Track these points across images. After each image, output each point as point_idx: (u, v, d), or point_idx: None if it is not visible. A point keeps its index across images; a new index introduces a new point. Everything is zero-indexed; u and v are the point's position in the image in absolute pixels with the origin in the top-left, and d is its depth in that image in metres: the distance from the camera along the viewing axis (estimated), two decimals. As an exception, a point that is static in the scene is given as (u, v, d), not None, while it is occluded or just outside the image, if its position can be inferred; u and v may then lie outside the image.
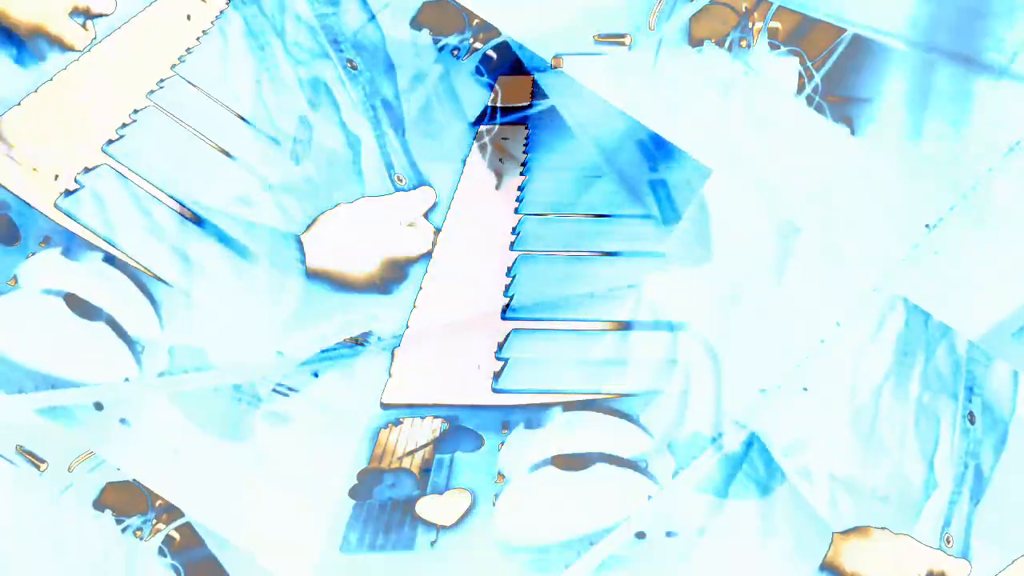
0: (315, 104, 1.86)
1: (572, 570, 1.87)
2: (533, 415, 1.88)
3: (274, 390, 1.86)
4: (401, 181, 1.86)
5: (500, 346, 1.88)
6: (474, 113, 1.86)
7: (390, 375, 1.88)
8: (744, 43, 1.86)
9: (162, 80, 1.86)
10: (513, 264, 1.88)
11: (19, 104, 1.85)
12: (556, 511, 1.88)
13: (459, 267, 1.88)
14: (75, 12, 1.86)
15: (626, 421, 1.87)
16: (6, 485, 1.83)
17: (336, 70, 1.86)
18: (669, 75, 1.86)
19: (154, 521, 1.85)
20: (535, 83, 1.88)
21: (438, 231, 1.88)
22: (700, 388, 1.87)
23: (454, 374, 1.88)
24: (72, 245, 1.86)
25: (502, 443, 1.88)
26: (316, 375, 1.85)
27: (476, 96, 1.87)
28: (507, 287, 1.88)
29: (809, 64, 1.87)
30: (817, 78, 1.87)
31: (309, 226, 1.87)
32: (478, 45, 1.87)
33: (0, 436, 1.83)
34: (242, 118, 1.84)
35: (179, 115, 1.86)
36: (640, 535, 1.87)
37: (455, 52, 1.84)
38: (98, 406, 1.83)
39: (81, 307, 1.85)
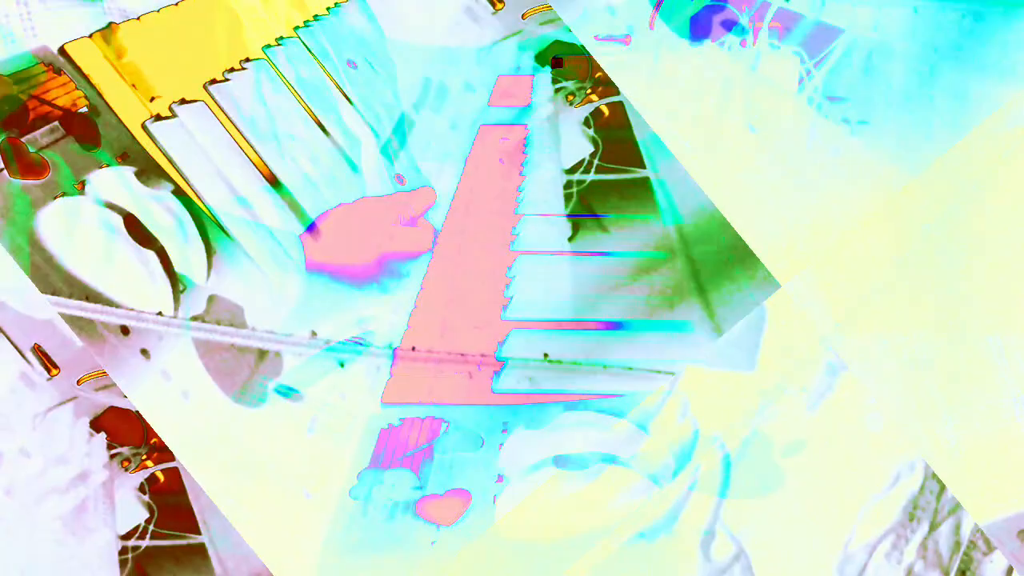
0: (315, 104, 1.86)
1: (572, 570, 1.87)
2: (533, 415, 1.88)
3: (275, 390, 1.86)
4: (402, 181, 1.86)
5: (500, 346, 1.87)
6: (571, 161, 1.87)
7: (390, 375, 1.88)
8: (744, 43, 1.86)
9: (282, 39, 1.86)
10: (513, 264, 1.88)
11: (138, 18, 1.84)
12: (556, 511, 1.87)
13: (459, 267, 1.87)
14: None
15: (626, 421, 1.87)
16: (10, 379, 1.82)
17: (336, 69, 1.86)
18: (669, 74, 1.86)
19: (144, 456, 1.84)
20: (534, 84, 1.88)
21: (438, 231, 1.88)
22: (700, 388, 1.86)
23: (454, 374, 1.87)
24: (147, 168, 1.85)
25: (502, 443, 1.87)
26: (341, 364, 1.86)
27: (578, 145, 1.88)
28: (507, 287, 1.88)
29: (809, 64, 1.86)
30: (817, 78, 1.86)
31: (310, 226, 1.87)
32: (594, 98, 1.87)
33: (22, 329, 1.81)
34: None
35: (287, 77, 1.86)
36: (640, 535, 1.87)
37: (570, 97, 1.86)
38: (124, 330, 1.82)
39: (137, 230, 1.84)
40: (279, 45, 1.85)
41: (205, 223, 1.84)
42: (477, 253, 1.89)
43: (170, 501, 1.86)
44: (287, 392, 1.87)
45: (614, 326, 1.88)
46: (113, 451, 1.85)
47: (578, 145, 1.88)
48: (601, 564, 1.87)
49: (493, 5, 1.87)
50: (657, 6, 1.86)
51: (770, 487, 1.87)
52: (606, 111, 1.88)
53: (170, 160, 1.85)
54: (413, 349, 1.88)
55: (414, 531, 1.88)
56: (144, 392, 1.84)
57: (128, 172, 1.84)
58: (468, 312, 1.88)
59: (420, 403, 1.88)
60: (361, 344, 1.87)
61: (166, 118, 1.85)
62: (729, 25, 1.86)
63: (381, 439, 1.88)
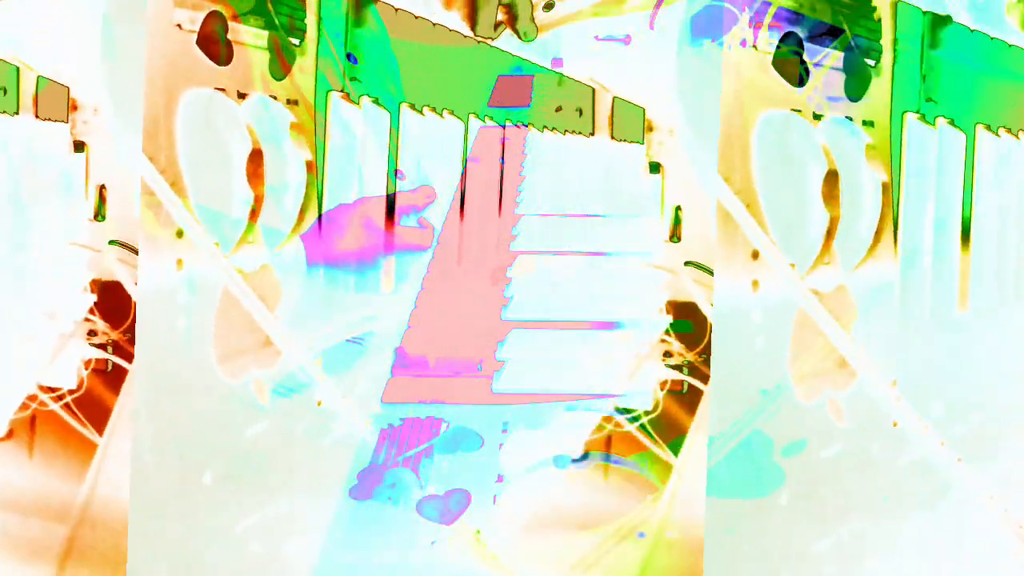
0: (315, 101, 1.86)
1: (572, 570, 1.86)
2: (533, 415, 1.87)
3: (275, 390, 1.86)
4: (402, 177, 1.86)
5: (500, 346, 1.87)
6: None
7: (390, 375, 1.87)
8: (744, 43, 1.86)
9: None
10: (513, 264, 1.88)
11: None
12: (556, 511, 1.87)
13: (459, 267, 1.87)
14: None
15: (626, 421, 1.86)
16: (62, 201, 1.82)
17: (336, 65, 1.86)
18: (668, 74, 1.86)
19: (109, 343, 1.84)
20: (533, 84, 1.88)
21: (438, 231, 1.87)
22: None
23: (454, 374, 1.87)
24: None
25: (502, 443, 1.87)
26: (341, 364, 1.85)
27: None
28: (507, 287, 1.88)
29: (809, 64, 1.87)
30: (817, 78, 1.87)
31: (310, 225, 1.86)
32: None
33: (105, 168, 1.80)
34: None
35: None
36: (640, 535, 1.87)
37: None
38: (179, 233, 1.82)
39: (257, 166, 1.84)
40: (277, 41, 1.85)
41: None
42: (477, 253, 1.88)
43: (97, 394, 1.85)
44: (287, 392, 1.86)
45: (613, 326, 1.87)
46: (91, 319, 1.85)
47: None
48: (601, 564, 1.87)
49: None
50: (657, 6, 1.85)
51: (770, 487, 1.87)
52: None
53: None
54: (413, 349, 1.87)
55: (414, 531, 1.87)
56: (153, 295, 1.83)
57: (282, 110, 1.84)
58: (468, 312, 1.88)
59: (420, 403, 1.88)
60: (361, 344, 1.87)
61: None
62: (729, 25, 1.86)
63: (381, 439, 1.87)
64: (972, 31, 1.89)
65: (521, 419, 1.87)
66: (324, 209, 1.86)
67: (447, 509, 1.87)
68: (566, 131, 1.87)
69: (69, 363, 1.86)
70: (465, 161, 1.87)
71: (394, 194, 1.87)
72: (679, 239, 1.87)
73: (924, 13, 1.88)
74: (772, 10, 1.85)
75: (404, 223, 1.87)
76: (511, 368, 1.87)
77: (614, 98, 1.87)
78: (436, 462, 1.87)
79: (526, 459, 1.87)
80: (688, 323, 1.87)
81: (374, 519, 1.87)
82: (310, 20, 1.85)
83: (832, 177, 1.87)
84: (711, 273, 1.87)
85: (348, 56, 1.85)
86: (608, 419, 1.87)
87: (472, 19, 1.86)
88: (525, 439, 1.87)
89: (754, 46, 1.85)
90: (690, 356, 1.87)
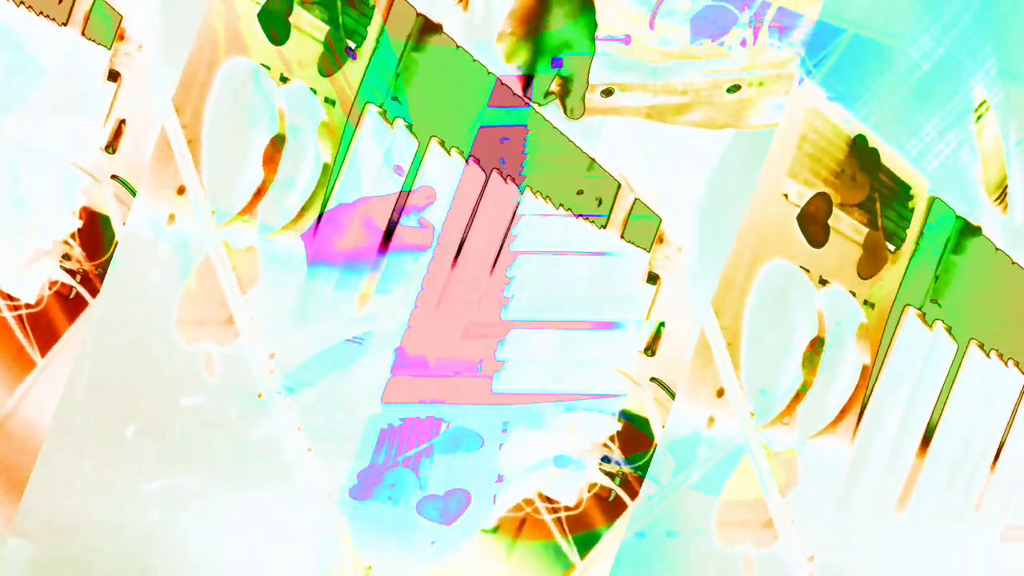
0: (314, 99, 1.85)
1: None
2: (533, 415, 1.87)
3: (274, 391, 1.86)
4: (401, 172, 1.85)
5: (500, 346, 1.87)
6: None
7: (390, 375, 1.87)
8: (745, 43, 1.85)
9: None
10: (513, 264, 1.88)
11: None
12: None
13: (459, 267, 1.87)
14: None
15: (626, 421, 1.86)
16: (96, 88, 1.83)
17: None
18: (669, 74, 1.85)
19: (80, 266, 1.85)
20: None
21: (438, 231, 1.87)
22: (700, 388, 1.86)
23: (454, 374, 1.87)
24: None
25: (502, 443, 1.87)
26: (341, 364, 1.85)
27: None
28: (507, 287, 1.88)
29: (809, 64, 1.86)
30: (817, 78, 1.86)
31: (310, 225, 1.86)
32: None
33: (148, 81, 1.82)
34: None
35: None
36: (640, 535, 1.87)
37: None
38: (180, 190, 1.82)
39: (277, 148, 1.86)
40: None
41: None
42: (477, 253, 1.88)
43: (52, 317, 1.85)
44: (287, 392, 1.86)
45: (612, 327, 1.87)
46: (70, 243, 1.85)
47: None
48: (601, 564, 1.87)
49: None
50: (657, 6, 1.85)
51: (770, 486, 1.87)
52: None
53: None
54: (413, 349, 1.87)
55: (414, 531, 1.87)
56: (136, 240, 1.83)
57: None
58: (468, 312, 1.88)
59: (420, 403, 1.88)
60: (361, 344, 1.87)
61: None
62: (729, 25, 1.86)
63: (381, 439, 1.87)
64: (996, 250, 1.89)
65: (521, 419, 1.87)
66: (323, 214, 1.86)
67: (447, 509, 1.87)
68: (580, 215, 1.87)
69: (35, 278, 1.86)
70: (465, 161, 1.87)
71: (393, 194, 1.87)
72: (653, 353, 1.87)
73: (957, 217, 1.88)
74: (772, 10, 1.85)
75: (404, 223, 1.87)
76: (511, 368, 1.87)
77: (636, 200, 1.87)
78: (436, 462, 1.87)
79: (526, 459, 1.87)
80: (637, 432, 1.87)
81: (374, 519, 1.86)
82: (372, 30, 1.85)
83: (817, 343, 1.87)
84: (672, 396, 1.87)
85: (347, 50, 1.84)
86: (529, 502, 1.87)
87: (526, 80, 1.87)
88: (525, 439, 1.87)
89: (754, 46, 1.85)
90: (627, 468, 1.87)
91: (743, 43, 1.85)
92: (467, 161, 1.87)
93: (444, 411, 1.87)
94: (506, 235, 1.87)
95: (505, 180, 1.87)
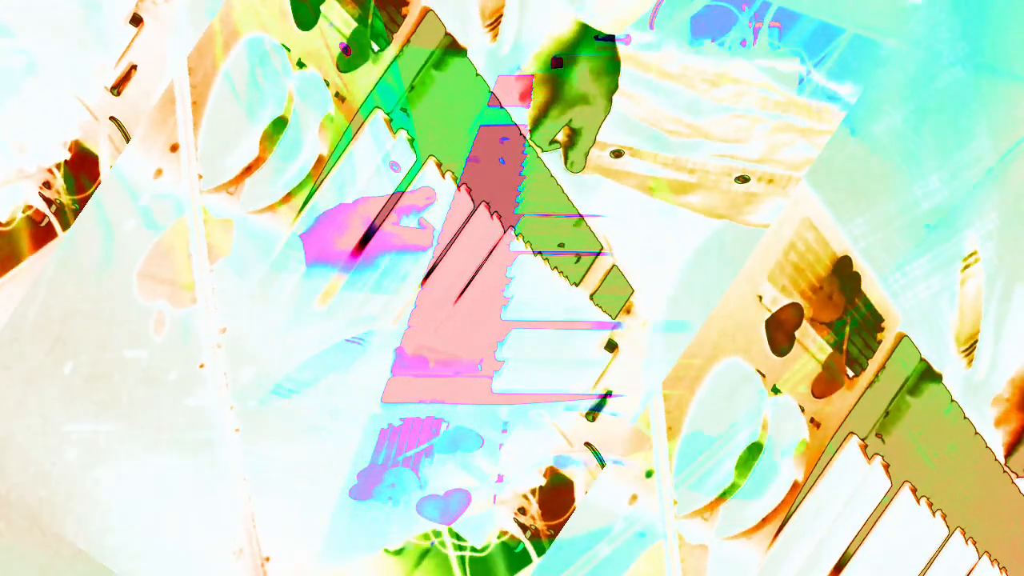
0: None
1: (572, 570, 1.86)
2: (533, 415, 1.87)
3: (274, 391, 1.85)
4: (396, 168, 1.85)
5: (500, 346, 1.87)
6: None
7: (390, 375, 1.87)
8: (744, 43, 1.85)
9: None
10: (513, 264, 1.88)
11: None
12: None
13: (459, 267, 1.87)
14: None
15: (626, 421, 1.86)
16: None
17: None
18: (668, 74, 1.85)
19: (66, 192, 1.84)
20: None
21: (438, 231, 1.87)
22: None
23: (454, 374, 1.87)
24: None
25: (502, 443, 1.87)
26: (342, 364, 1.85)
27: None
28: (507, 287, 1.88)
29: (809, 64, 1.86)
30: (817, 78, 1.86)
31: (310, 226, 1.86)
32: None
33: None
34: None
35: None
36: (640, 535, 1.87)
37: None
38: (174, 147, 1.82)
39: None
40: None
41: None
42: (477, 253, 1.88)
43: (16, 240, 1.85)
44: (287, 392, 1.86)
45: (613, 326, 1.87)
46: (54, 172, 1.85)
47: None
48: (601, 564, 1.86)
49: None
50: (657, 6, 1.85)
51: (770, 486, 1.87)
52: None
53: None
54: (413, 349, 1.87)
55: (414, 531, 1.87)
56: (119, 185, 1.83)
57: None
58: (468, 312, 1.88)
59: (420, 403, 1.87)
60: (361, 344, 1.87)
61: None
62: (729, 25, 1.86)
63: (381, 439, 1.87)
64: (952, 400, 1.89)
65: (521, 419, 1.87)
66: (306, 205, 1.86)
67: (447, 509, 1.87)
68: (555, 268, 1.87)
69: (11, 197, 1.86)
70: (465, 161, 1.87)
71: (393, 194, 1.86)
72: (593, 420, 1.87)
73: (921, 360, 1.88)
74: (772, 10, 1.85)
75: (404, 223, 1.88)
76: (511, 368, 1.87)
77: (613, 265, 1.87)
78: (436, 462, 1.87)
79: (526, 459, 1.87)
80: (560, 491, 1.88)
81: (374, 519, 1.86)
82: (398, 38, 1.85)
83: (756, 448, 1.87)
84: (602, 466, 1.87)
85: (343, 47, 1.84)
86: (438, 534, 1.87)
87: (535, 122, 1.87)
88: (525, 439, 1.87)
89: (754, 46, 1.85)
90: (540, 524, 1.87)
91: (743, 43, 1.85)
92: (467, 161, 1.87)
93: (444, 411, 1.87)
94: (506, 235, 1.87)
95: (505, 178, 1.88)
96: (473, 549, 1.87)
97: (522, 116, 1.87)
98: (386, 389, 1.87)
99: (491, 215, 1.88)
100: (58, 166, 1.86)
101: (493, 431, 1.87)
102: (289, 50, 1.84)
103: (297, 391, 1.86)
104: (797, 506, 1.88)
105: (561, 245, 1.87)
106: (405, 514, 1.87)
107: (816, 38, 1.86)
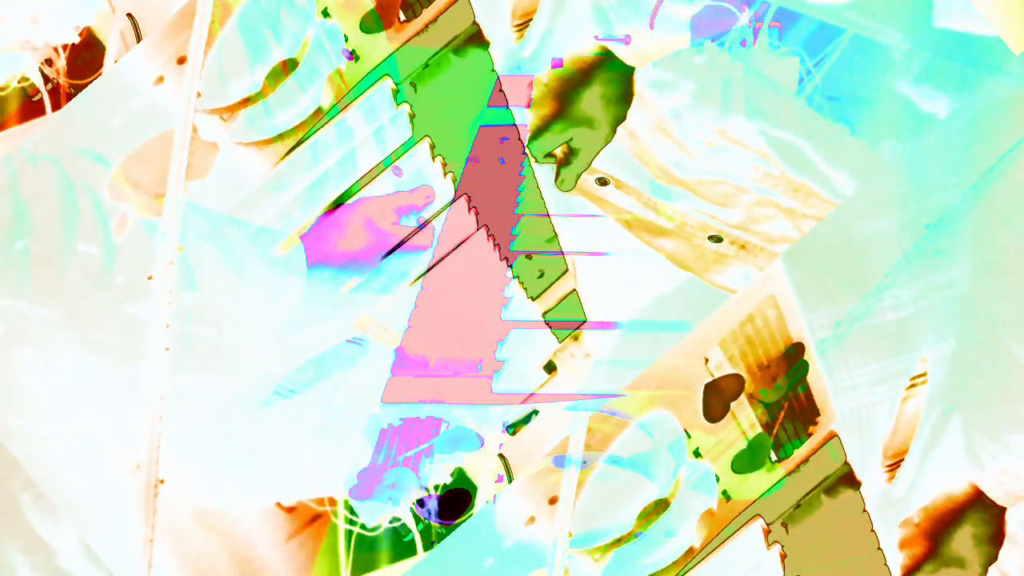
0: (313, 99, 1.85)
1: (572, 570, 1.86)
2: (533, 415, 1.87)
3: (275, 391, 1.85)
4: (399, 173, 1.85)
5: (500, 346, 1.87)
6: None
7: (390, 375, 1.87)
8: (744, 43, 1.85)
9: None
10: (513, 264, 1.88)
11: None
12: (556, 511, 1.86)
13: (459, 266, 1.87)
14: None
15: (626, 421, 1.86)
16: None
17: (334, 63, 1.85)
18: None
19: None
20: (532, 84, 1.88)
21: (438, 231, 1.87)
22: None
23: (454, 374, 1.87)
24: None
25: (502, 443, 1.87)
26: (342, 364, 1.85)
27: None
28: (507, 287, 1.87)
29: (809, 64, 1.86)
30: (817, 78, 1.86)
31: (310, 227, 1.86)
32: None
33: None
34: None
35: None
36: (640, 535, 1.87)
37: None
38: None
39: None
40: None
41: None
42: (477, 253, 1.88)
43: (6, 109, 1.85)
44: (288, 392, 1.86)
45: (612, 326, 1.87)
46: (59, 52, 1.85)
47: None
48: (601, 564, 1.86)
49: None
50: (657, 6, 1.85)
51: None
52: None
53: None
54: (413, 349, 1.87)
55: (414, 531, 1.87)
56: (118, 80, 1.83)
57: None
58: (468, 311, 1.88)
59: (420, 403, 1.87)
60: (361, 344, 1.87)
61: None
62: (729, 25, 1.86)
63: (381, 439, 1.87)
64: (863, 510, 1.89)
65: (522, 419, 1.87)
66: (290, 153, 1.86)
67: (446, 509, 1.87)
68: (517, 276, 1.88)
69: (10, 64, 1.86)
70: (465, 161, 1.87)
71: (393, 194, 1.86)
72: (515, 434, 1.87)
73: (845, 463, 1.88)
74: (772, 10, 1.85)
75: (404, 223, 1.87)
76: (511, 368, 1.87)
77: (574, 290, 1.87)
78: (436, 462, 1.87)
79: (526, 459, 1.87)
80: (462, 494, 1.88)
81: (374, 519, 1.86)
82: (427, 12, 1.85)
83: (662, 504, 1.88)
84: (510, 480, 1.87)
85: (345, 52, 1.85)
86: (334, 502, 1.87)
87: (536, 134, 1.87)
88: (525, 439, 1.87)
89: (754, 46, 1.85)
90: (434, 521, 1.87)
91: (743, 43, 1.85)
92: (467, 161, 1.87)
93: (444, 411, 1.87)
94: (506, 235, 1.88)
95: (505, 179, 1.88)
96: (363, 527, 1.87)
97: (523, 117, 1.88)
98: (386, 389, 1.87)
99: (491, 216, 1.88)
100: (64, 47, 1.86)
101: (493, 431, 1.87)
102: (318, -2, 1.85)
103: (297, 391, 1.86)
104: (686, 572, 1.88)
105: (528, 257, 1.87)
106: (405, 514, 1.87)
107: (816, 38, 1.86)
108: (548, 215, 1.88)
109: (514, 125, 1.87)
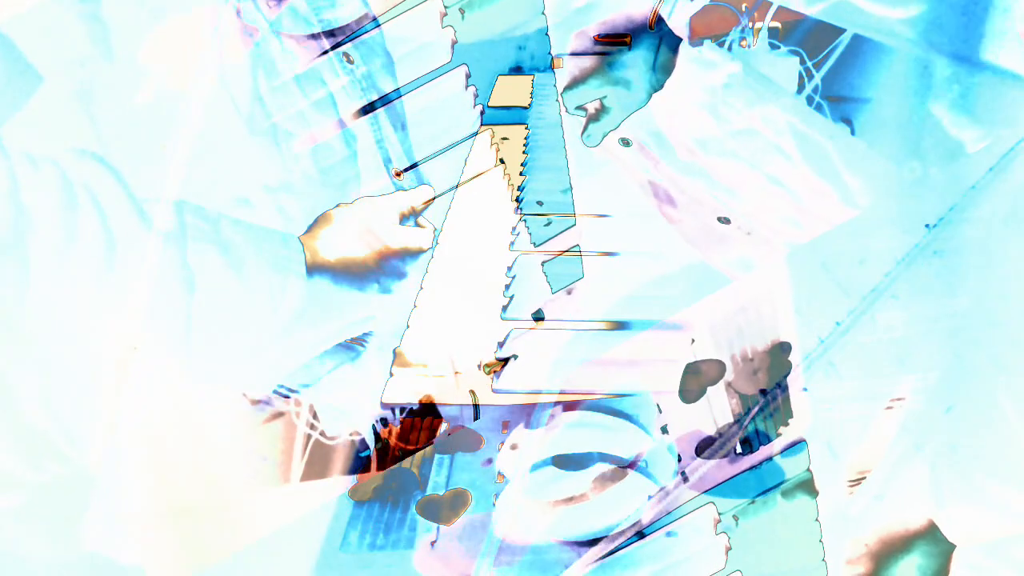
0: (312, 101, 1.85)
1: (572, 570, 1.88)
2: (533, 415, 1.88)
3: (274, 391, 1.86)
4: (399, 176, 1.86)
5: (500, 346, 1.88)
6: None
7: (390, 375, 1.87)
8: (744, 43, 1.86)
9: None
10: (513, 264, 1.88)
11: None
12: (556, 511, 1.88)
13: (459, 267, 1.87)
14: None
15: (626, 421, 1.88)
16: None
17: (332, 65, 1.85)
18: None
19: None
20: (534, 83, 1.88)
21: (438, 231, 1.87)
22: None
23: (454, 374, 1.88)
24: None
25: (502, 443, 1.88)
26: (341, 365, 1.85)
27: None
28: (507, 287, 1.88)
29: (809, 64, 1.86)
30: (817, 78, 1.86)
31: (309, 227, 1.86)
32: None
33: None
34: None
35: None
36: (640, 535, 1.88)
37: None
38: None
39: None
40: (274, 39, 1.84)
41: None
42: (477, 253, 1.88)
43: None
44: (287, 392, 1.87)
45: (613, 326, 1.88)
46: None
47: None
48: (601, 564, 1.88)
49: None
50: (656, 7, 1.85)
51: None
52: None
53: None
54: (413, 349, 1.87)
55: (414, 531, 1.88)
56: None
57: None
58: (468, 312, 1.88)
59: (420, 403, 1.88)
60: (361, 344, 1.87)
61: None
62: (729, 25, 1.86)
63: (381, 439, 1.88)
64: (816, 520, 1.89)
65: (521, 419, 1.88)
66: (329, 52, 1.86)
67: (447, 509, 1.89)
68: (523, 219, 1.88)
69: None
70: (465, 161, 1.88)
71: (393, 194, 1.86)
72: (489, 374, 1.88)
73: (807, 470, 1.89)
74: (772, 9, 1.85)
75: (404, 223, 1.86)
76: (511, 368, 1.88)
77: (578, 246, 1.87)
78: (436, 462, 1.88)
79: (526, 459, 1.88)
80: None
81: (374, 519, 1.88)
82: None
83: (620, 470, 1.88)
84: (476, 417, 1.88)
85: (344, 56, 1.85)
86: (299, 404, 1.87)
87: (574, 82, 1.87)
88: (525, 439, 1.88)
89: (754, 46, 1.85)
90: (393, 440, 1.88)
91: (743, 43, 1.85)
92: (467, 161, 1.87)
93: (444, 411, 1.88)
94: (506, 235, 1.88)
95: (505, 179, 1.88)
96: (323, 434, 1.87)
97: (522, 116, 1.88)
98: (386, 389, 1.87)
99: (491, 215, 1.88)
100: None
101: (493, 431, 1.88)
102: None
103: (297, 391, 1.86)
104: (627, 545, 1.88)
105: (539, 203, 1.88)
106: (405, 514, 1.88)
107: (816, 38, 1.86)
108: (567, 166, 1.88)
109: (514, 125, 1.87)
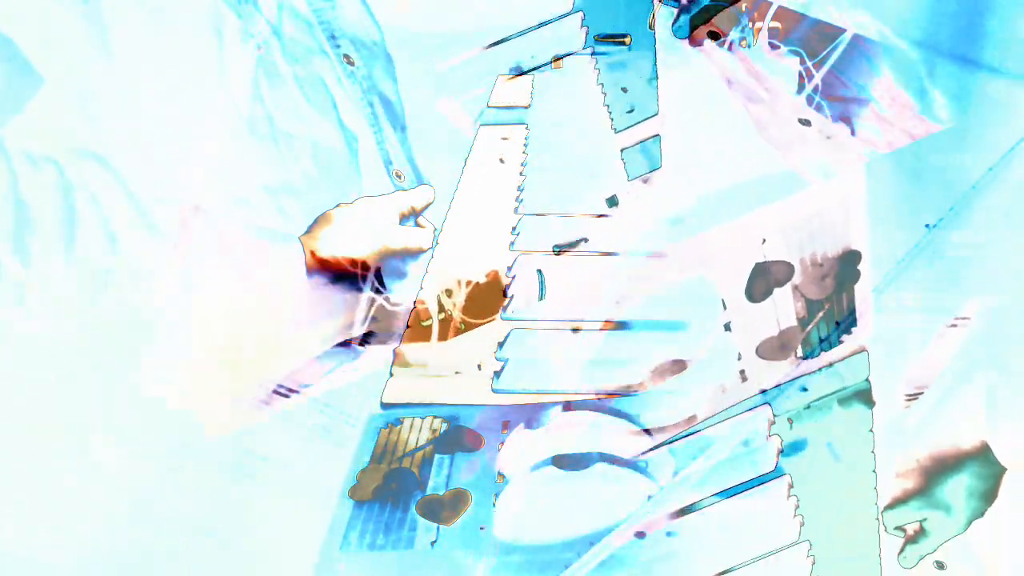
0: (312, 102, 1.86)
1: (572, 570, 1.88)
2: (533, 415, 1.88)
3: (274, 391, 1.86)
4: (400, 177, 1.87)
5: (500, 346, 1.88)
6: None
7: (391, 375, 1.88)
8: (744, 43, 1.86)
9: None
10: (513, 264, 1.88)
11: None
12: (556, 511, 1.88)
13: (459, 267, 1.88)
14: None
15: (626, 421, 1.88)
16: None
17: (333, 66, 1.86)
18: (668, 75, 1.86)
19: None
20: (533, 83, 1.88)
21: (438, 230, 1.87)
22: (700, 388, 1.87)
23: (454, 374, 1.88)
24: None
25: (502, 443, 1.88)
26: (341, 365, 1.85)
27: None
28: (507, 287, 1.88)
29: (809, 64, 1.86)
30: (817, 78, 1.86)
31: (310, 227, 1.85)
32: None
33: None
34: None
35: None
36: (640, 535, 1.88)
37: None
38: None
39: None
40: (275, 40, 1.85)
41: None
42: (477, 253, 1.88)
43: None
44: (287, 392, 1.87)
45: (613, 326, 1.88)
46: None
47: None
48: (601, 564, 1.87)
49: None
50: (657, 6, 1.86)
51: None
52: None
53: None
54: (413, 349, 1.87)
55: (414, 531, 1.88)
56: None
57: None
58: (468, 312, 1.88)
59: (420, 403, 1.88)
60: (361, 344, 1.87)
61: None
62: (730, 25, 1.86)
63: (381, 439, 1.88)
64: (870, 430, 1.89)
65: (521, 419, 1.88)
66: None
67: (447, 509, 1.89)
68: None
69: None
70: (465, 161, 1.88)
71: (393, 194, 1.86)
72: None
73: (866, 379, 1.88)
74: (772, 9, 1.85)
75: (404, 223, 1.87)
76: (511, 368, 1.88)
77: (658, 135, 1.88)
78: (436, 462, 1.88)
79: (526, 459, 1.88)
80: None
81: (374, 519, 1.88)
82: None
83: (679, 362, 1.88)
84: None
85: (344, 57, 1.86)
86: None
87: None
88: (525, 439, 1.88)
89: (754, 45, 1.86)
90: (457, 313, 1.88)
91: (743, 43, 1.86)
92: (467, 161, 1.87)
93: (444, 411, 1.88)
94: (506, 235, 1.88)
95: (505, 179, 1.89)
96: (387, 300, 1.86)
97: (521, 115, 1.88)
98: (386, 389, 1.87)
99: (491, 215, 1.88)
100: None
101: (493, 431, 1.88)
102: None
103: (297, 391, 1.86)
104: (681, 437, 1.88)
105: (624, 90, 1.87)
106: (405, 514, 1.87)
107: (816, 38, 1.86)
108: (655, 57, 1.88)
109: (514, 125, 1.88)
